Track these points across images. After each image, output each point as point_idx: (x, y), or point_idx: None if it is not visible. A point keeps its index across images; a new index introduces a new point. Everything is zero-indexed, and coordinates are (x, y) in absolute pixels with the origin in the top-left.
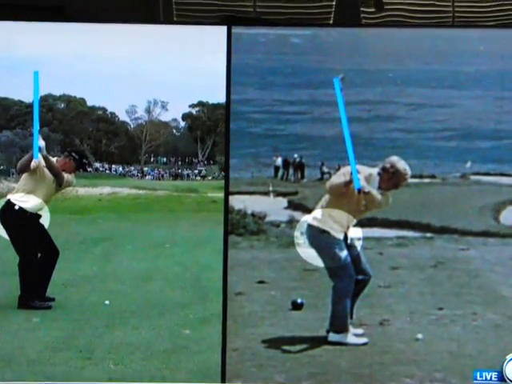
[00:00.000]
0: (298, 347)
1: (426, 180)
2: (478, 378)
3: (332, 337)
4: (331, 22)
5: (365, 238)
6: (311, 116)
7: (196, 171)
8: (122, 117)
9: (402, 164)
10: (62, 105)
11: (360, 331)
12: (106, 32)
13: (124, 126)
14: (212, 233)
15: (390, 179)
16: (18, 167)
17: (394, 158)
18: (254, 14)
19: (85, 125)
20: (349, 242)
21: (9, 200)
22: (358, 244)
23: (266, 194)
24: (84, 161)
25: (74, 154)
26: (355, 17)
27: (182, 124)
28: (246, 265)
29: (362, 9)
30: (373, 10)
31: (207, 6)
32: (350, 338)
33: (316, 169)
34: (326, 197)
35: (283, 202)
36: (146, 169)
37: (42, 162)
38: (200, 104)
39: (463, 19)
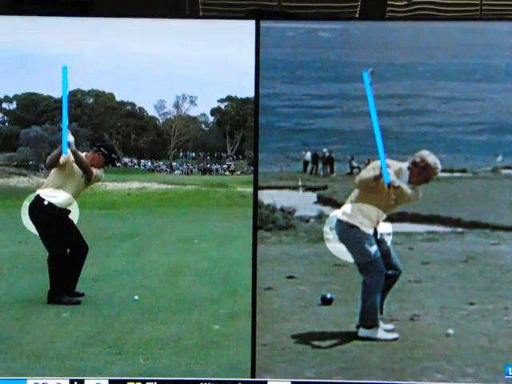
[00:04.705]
0: (327, 342)
1: (457, 174)
2: (510, 373)
3: (362, 332)
4: (357, 15)
5: (395, 233)
6: (340, 110)
7: (225, 166)
8: (151, 112)
9: (432, 158)
10: (91, 100)
11: (390, 326)
12: (133, 27)
13: (153, 121)
14: (241, 228)
15: (420, 173)
16: (47, 162)
17: (424, 152)
18: (279, 8)
19: (114, 120)
20: (379, 236)
21: (38, 195)
22: (388, 239)
23: (295, 188)
24: (113, 156)
25: (102, 149)
26: (382, 10)
27: (211, 119)
28: (275, 260)
29: (389, 2)
30: (401, 3)
31: (231, 0)
32: (380, 334)
33: (345, 163)
34: (356, 191)
35: (312, 196)
36: (174, 163)
37: (71, 157)
38: (229, 99)
39: (491, 12)
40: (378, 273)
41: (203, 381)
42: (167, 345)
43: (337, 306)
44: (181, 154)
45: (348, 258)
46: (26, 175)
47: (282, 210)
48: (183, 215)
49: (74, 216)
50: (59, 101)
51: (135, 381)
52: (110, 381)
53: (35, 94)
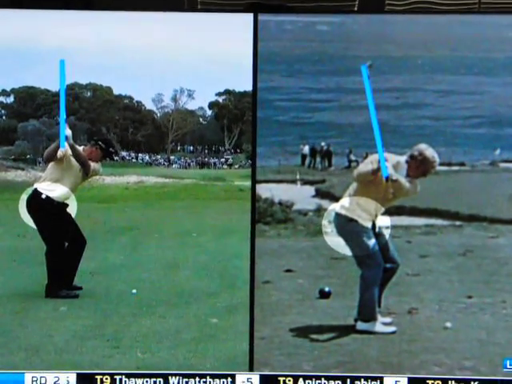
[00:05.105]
0: (325, 336)
1: (455, 167)
2: (508, 366)
3: (360, 325)
4: (355, 8)
5: (393, 227)
6: (339, 104)
7: (223, 160)
8: (149, 105)
9: (430, 151)
10: (89, 93)
11: (388, 320)
12: (131, 21)
13: (150, 115)
14: (239, 221)
15: (418, 167)
16: (45, 156)
17: (423, 146)
18: (277, 1)
19: (111, 113)
20: (377, 230)
21: (36, 189)
22: (386, 232)
23: (294, 182)
24: (110, 149)
25: (100, 143)
26: (380, 3)
27: (209, 112)
28: (273, 253)
29: None
30: None
31: None
32: (378, 327)
33: (343, 157)
34: (354, 185)
35: (310, 190)
36: (172, 157)
37: (69, 151)
38: (226, 92)
39: (489, 5)
40: (376, 266)
41: (201, 374)
42: (165, 338)
43: (335, 299)
44: (179, 148)
45: (346, 251)
46: (23, 169)
47: (280, 203)
48: (181, 209)
49: (72, 210)
50: (57, 94)
51: (103, 374)
52: (78, 374)
53: (33, 87)
